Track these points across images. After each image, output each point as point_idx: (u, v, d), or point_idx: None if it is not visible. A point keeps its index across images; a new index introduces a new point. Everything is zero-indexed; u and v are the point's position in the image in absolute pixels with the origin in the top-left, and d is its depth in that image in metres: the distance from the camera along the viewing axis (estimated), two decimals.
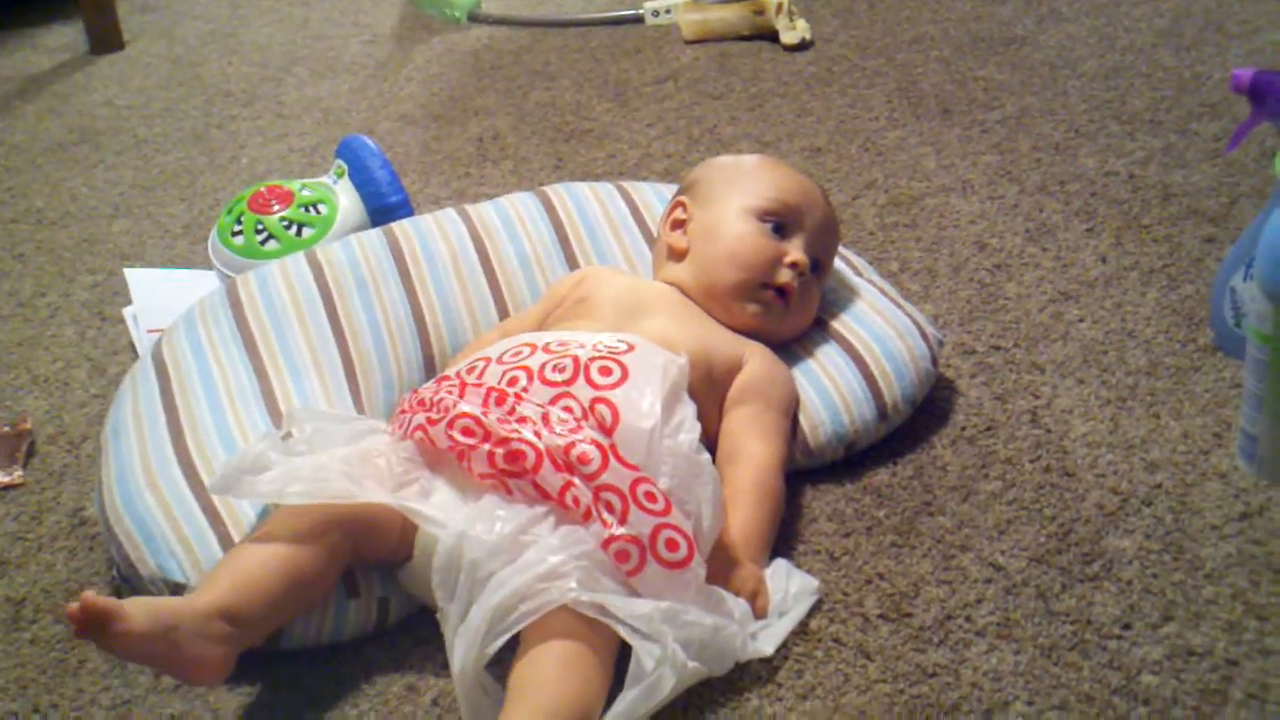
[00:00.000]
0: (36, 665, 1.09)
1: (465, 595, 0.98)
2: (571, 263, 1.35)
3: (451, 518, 1.02)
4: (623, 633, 0.96)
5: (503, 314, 1.31)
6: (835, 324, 1.28)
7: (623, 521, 1.00)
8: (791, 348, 1.27)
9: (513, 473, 1.03)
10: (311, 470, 1.04)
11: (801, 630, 1.05)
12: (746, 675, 1.02)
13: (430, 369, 1.28)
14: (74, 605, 0.92)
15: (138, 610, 0.93)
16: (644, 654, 0.95)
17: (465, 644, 0.96)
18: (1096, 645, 1.01)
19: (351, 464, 1.05)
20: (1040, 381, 1.28)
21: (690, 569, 1.01)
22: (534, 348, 1.13)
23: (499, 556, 0.98)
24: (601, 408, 1.06)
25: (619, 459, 1.02)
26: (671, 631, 0.96)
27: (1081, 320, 1.36)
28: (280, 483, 1.03)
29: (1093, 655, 1.01)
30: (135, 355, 1.45)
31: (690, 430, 1.07)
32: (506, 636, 0.96)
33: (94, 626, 0.92)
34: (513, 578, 0.97)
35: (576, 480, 1.01)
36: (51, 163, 1.90)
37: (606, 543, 1.00)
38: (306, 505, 1.03)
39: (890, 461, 1.21)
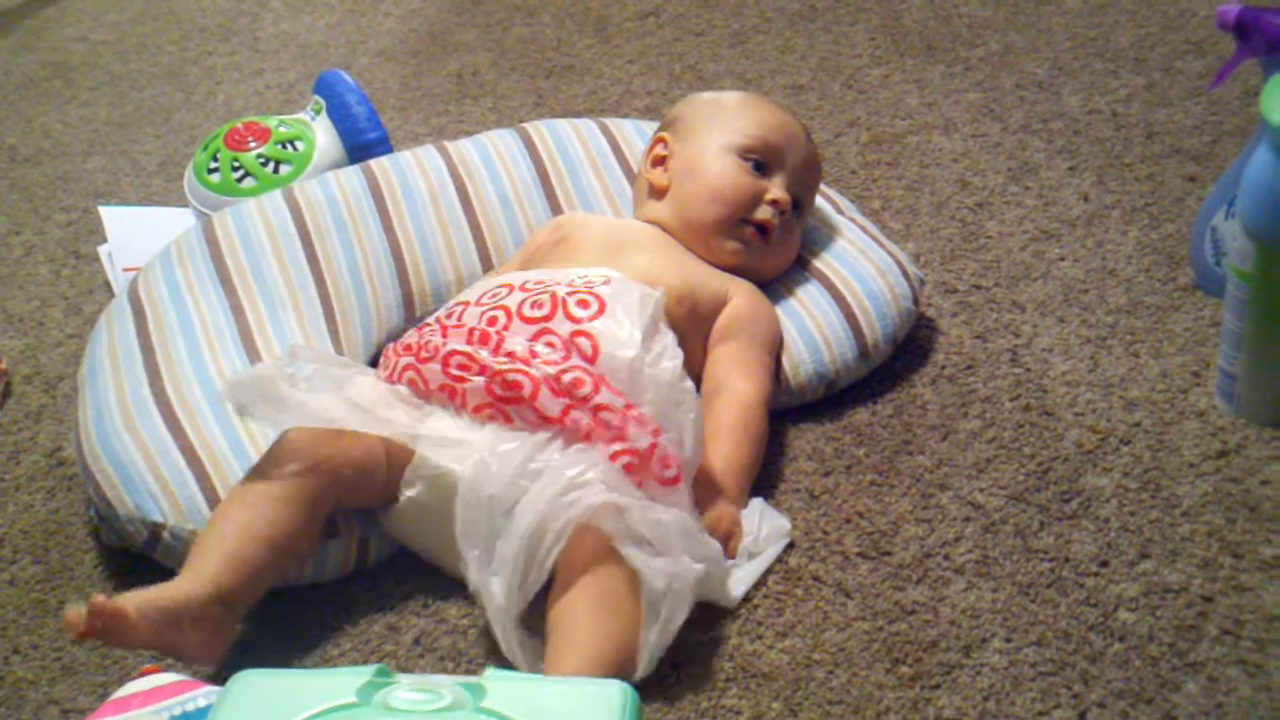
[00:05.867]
0: (16, 606, 1.09)
1: (488, 533, 0.98)
2: (552, 201, 1.34)
3: (460, 456, 1.02)
4: (632, 556, 0.96)
5: (482, 253, 1.31)
6: (817, 262, 1.28)
7: (622, 437, 1.01)
8: (773, 286, 1.26)
9: (511, 399, 1.03)
10: (314, 405, 1.04)
11: (781, 568, 1.06)
12: (726, 613, 1.02)
13: (409, 308, 1.27)
14: (76, 611, 0.90)
15: (142, 609, 0.92)
16: (654, 575, 0.95)
17: (503, 580, 0.96)
18: (1074, 582, 1.02)
19: (351, 399, 1.06)
20: (1021, 320, 1.28)
21: (679, 488, 1.02)
22: (511, 287, 1.12)
23: (515, 486, 0.98)
24: (582, 340, 1.06)
25: (607, 385, 1.03)
26: (680, 543, 0.97)
27: (1062, 259, 1.36)
28: (290, 412, 1.03)
29: (1070, 592, 1.01)
30: (111, 294, 1.43)
31: (672, 358, 1.07)
32: (550, 563, 0.96)
33: (102, 631, 0.91)
34: (536, 501, 0.97)
35: (575, 403, 1.02)
36: (24, 98, 1.87)
37: (613, 458, 1.00)
38: (290, 462, 1.01)
39: (870, 400, 1.21)
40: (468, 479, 1.00)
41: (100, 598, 0.91)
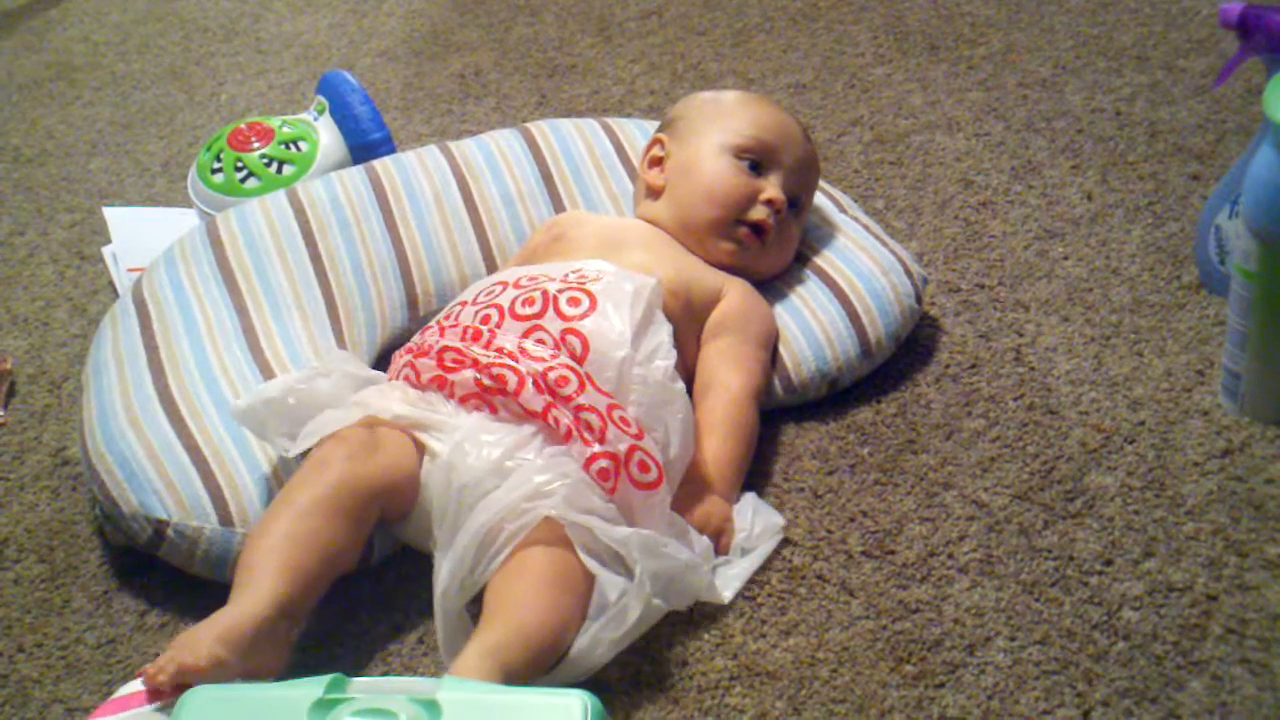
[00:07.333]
0: (21, 605, 1.09)
1: (453, 521, 0.99)
2: (555, 201, 1.34)
3: (443, 438, 1.03)
4: (590, 565, 0.97)
5: (486, 253, 1.31)
6: (819, 261, 1.28)
7: (601, 440, 1.01)
8: (775, 284, 1.27)
9: (497, 391, 1.04)
10: (322, 419, 1.05)
11: (785, 567, 1.06)
12: (730, 611, 1.02)
13: (413, 309, 1.28)
14: (160, 677, 0.88)
15: (227, 642, 0.90)
16: (608, 586, 0.96)
17: (451, 567, 0.96)
18: (1078, 581, 1.02)
19: (354, 401, 1.07)
20: (1024, 319, 1.28)
21: (659, 492, 1.02)
22: (505, 285, 1.13)
23: (487, 480, 0.99)
24: (572, 338, 1.06)
25: (593, 384, 1.04)
26: (644, 560, 0.97)
27: (1066, 258, 1.36)
28: (297, 438, 1.04)
29: (1074, 591, 1.01)
30: (115, 294, 1.44)
31: (665, 357, 1.07)
32: (498, 561, 0.96)
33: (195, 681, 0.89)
34: (500, 499, 0.98)
35: (557, 402, 1.02)
36: (27, 100, 1.87)
37: (589, 462, 1.01)
38: (326, 479, 1.01)
39: (874, 399, 1.21)
40: (443, 463, 1.01)
41: (188, 659, 0.88)
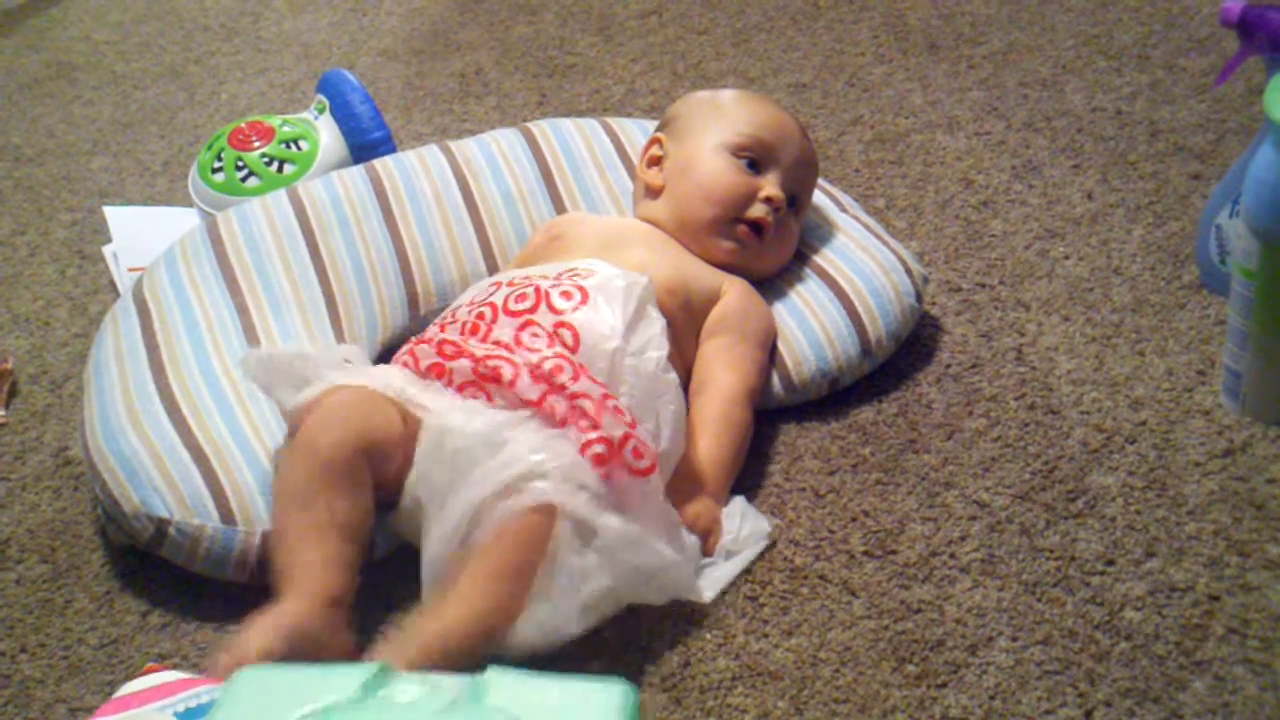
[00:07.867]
0: (23, 605, 1.10)
1: (444, 487, 0.99)
2: (556, 200, 1.34)
3: (439, 409, 1.04)
4: (564, 548, 0.97)
5: (486, 252, 1.31)
6: (819, 260, 1.28)
7: (596, 426, 1.01)
8: (775, 283, 1.27)
9: (493, 379, 1.04)
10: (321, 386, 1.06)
11: (787, 567, 1.06)
12: (732, 611, 1.02)
13: (414, 308, 1.28)
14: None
15: (278, 640, 0.92)
16: (577, 566, 0.96)
17: (440, 535, 0.97)
18: (1079, 581, 1.02)
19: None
20: (1025, 319, 1.28)
21: (652, 479, 1.02)
22: (500, 285, 1.15)
23: (479, 448, 1.00)
24: (563, 331, 1.07)
25: (587, 374, 1.04)
26: (624, 551, 0.97)
27: (1067, 257, 1.36)
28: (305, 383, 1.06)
29: (1076, 591, 1.02)
30: (116, 294, 1.44)
31: (658, 348, 1.08)
32: (481, 539, 0.97)
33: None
34: (494, 474, 0.98)
35: (552, 390, 1.03)
36: (28, 99, 1.87)
37: (585, 446, 1.01)
38: (330, 441, 1.01)
39: (875, 399, 1.21)
40: (434, 428, 1.01)
41: (247, 655, 0.90)
